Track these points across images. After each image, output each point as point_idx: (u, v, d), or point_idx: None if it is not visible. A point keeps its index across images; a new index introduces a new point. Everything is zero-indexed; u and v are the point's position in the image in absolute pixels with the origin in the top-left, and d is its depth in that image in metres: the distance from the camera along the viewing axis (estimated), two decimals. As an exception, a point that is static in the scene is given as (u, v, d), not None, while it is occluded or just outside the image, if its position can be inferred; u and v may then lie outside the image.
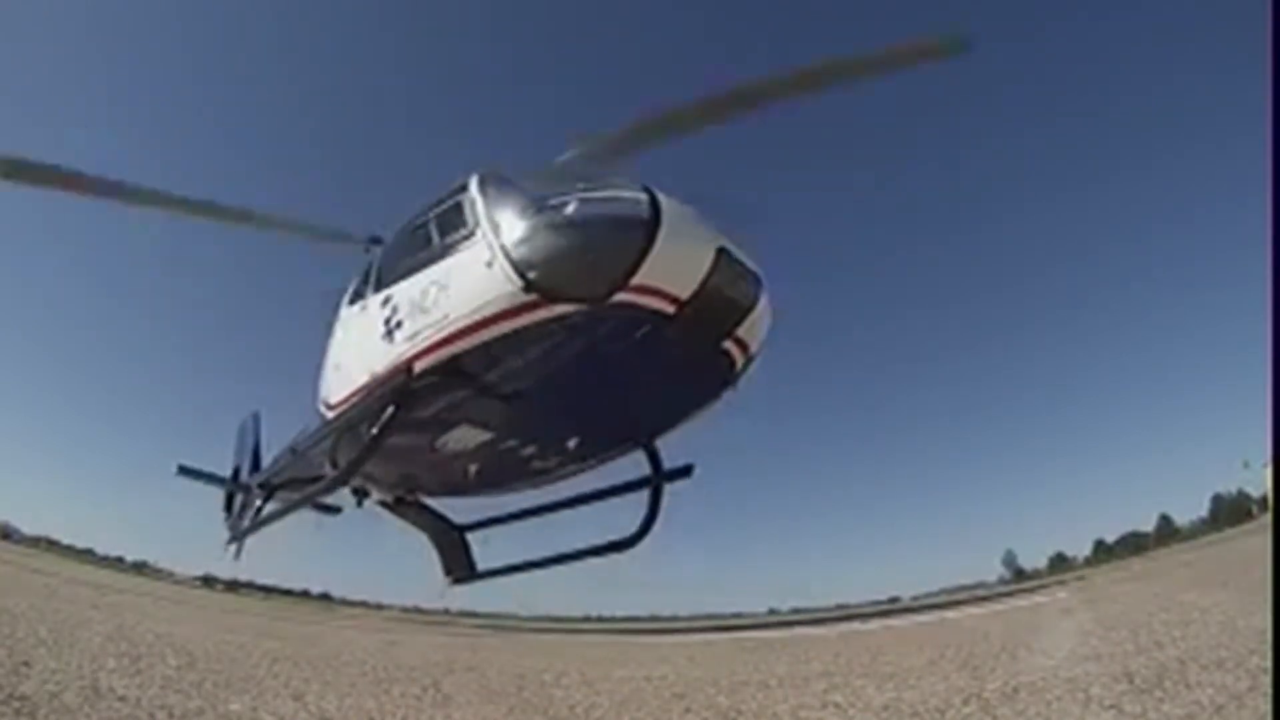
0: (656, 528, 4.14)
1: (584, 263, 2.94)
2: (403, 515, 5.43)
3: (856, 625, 15.64)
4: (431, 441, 4.11)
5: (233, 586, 70.42)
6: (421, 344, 3.46)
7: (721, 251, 3.06)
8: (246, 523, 6.99)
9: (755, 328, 3.11)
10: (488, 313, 3.11)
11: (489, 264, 3.10)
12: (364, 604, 78.18)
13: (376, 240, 5.15)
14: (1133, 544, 51.63)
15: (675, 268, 2.97)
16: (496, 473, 4.56)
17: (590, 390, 3.54)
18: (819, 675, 6.45)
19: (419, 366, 3.41)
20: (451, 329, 3.29)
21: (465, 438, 3.88)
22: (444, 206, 3.79)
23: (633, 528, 5.86)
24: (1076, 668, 5.11)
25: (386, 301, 3.82)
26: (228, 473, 7.82)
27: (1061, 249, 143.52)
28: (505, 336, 3.17)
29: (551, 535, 5.31)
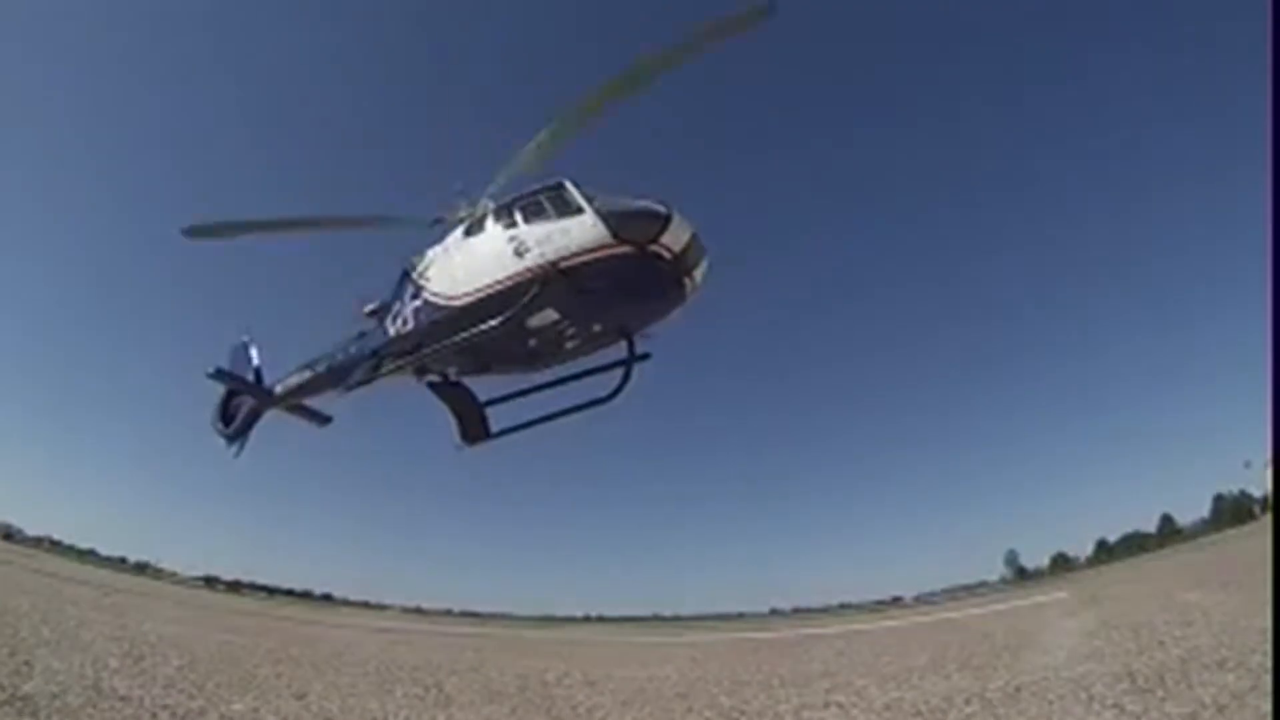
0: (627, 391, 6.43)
1: (641, 229, 5.50)
2: (442, 393, 7.10)
3: (858, 625, 15.67)
4: (521, 321, 5.95)
5: (235, 587, 70.60)
6: (550, 260, 5.68)
7: (693, 234, 5.60)
8: (235, 426, 9.06)
9: (701, 273, 5.67)
10: (591, 248, 5.54)
11: (593, 225, 5.56)
12: (365, 604, 78.42)
13: (439, 220, 7.12)
14: (1134, 544, 51.56)
15: (675, 239, 5.50)
16: (546, 347, 6.44)
17: (618, 297, 5.84)
18: (821, 675, 6.46)
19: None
20: (572, 253, 5.61)
21: (546, 316, 5.92)
22: (551, 194, 6.02)
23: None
24: (1078, 667, 5.09)
25: (512, 238, 6.00)
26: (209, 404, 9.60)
27: (1063, 249, 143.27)
28: (596, 261, 5.55)
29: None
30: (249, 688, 5.33)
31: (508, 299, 5.82)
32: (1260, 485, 41.60)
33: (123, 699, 4.33)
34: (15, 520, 61.20)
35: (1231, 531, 31.41)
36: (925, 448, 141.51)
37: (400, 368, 6.79)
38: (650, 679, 7.03)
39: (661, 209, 5.55)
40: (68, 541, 62.06)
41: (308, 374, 8.07)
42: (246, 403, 8.85)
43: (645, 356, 6.22)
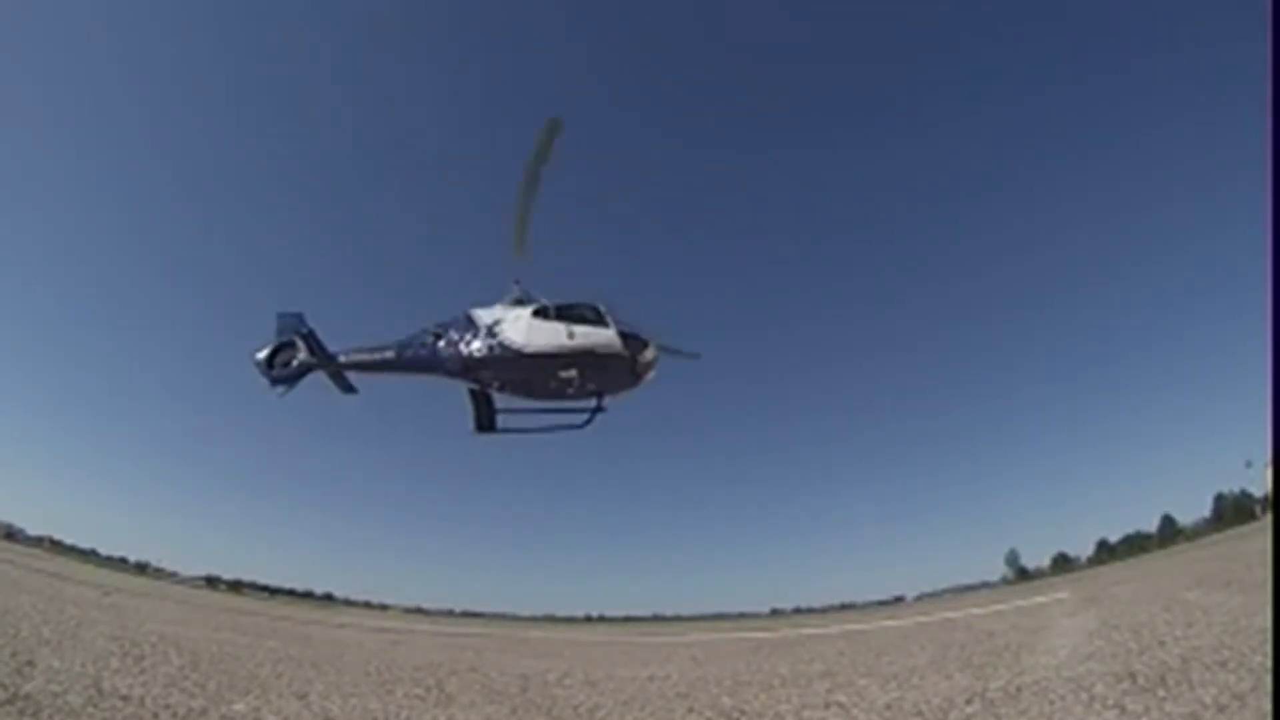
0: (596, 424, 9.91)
1: (634, 346, 8.85)
2: (475, 395, 10.34)
3: (859, 624, 15.66)
4: (557, 370, 9.40)
5: (235, 586, 70.79)
6: (587, 346, 9.02)
7: (656, 355, 9.12)
8: (286, 374, 11.10)
9: (652, 374, 9.21)
10: (608, 347, 8.93)
11: (613, 336, 8.94)
12: (366, 604, 78.52)
13: (521, 300, 10.29)
14: (1135, 544, 51.54)
15: (646, 355, 8.91)
16: (557, 388, 9.65)
17: (608, 374, 9.23)
18: (822, 675, 6.45)
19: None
20: (599, 346, 8.96)
21: (569, 372, 9.26)
22: (591, 310, 9.42)
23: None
24: (1079, 667, 5.09)
25: (568, 328, 9.29)
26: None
27: (1063, 249, 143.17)
28: (608, 354, 8.96)
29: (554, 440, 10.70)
30: (250, 687, 5.33)
31: (557, 358, 9.36)
32: (1261, 485, 41.59)
33: (124, 698, 4.34)
34: (16, 520, 61.25)
35: (1232, 531, 31.36)
36: (926, 448, 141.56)
37: (463, 376, 10.05)
38: (651, 679, 7.04)
39: (645, 338, 9.25)
40: (69, 541, 62.11)
41: (376, 355, 10.73)
42: (297, 357, 10.99)
43: (603, 409, 9.81)
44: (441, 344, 10.21)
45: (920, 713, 4.38)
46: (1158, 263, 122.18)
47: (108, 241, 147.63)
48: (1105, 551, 54.15)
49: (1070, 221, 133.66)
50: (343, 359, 10.78)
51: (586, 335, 9.27)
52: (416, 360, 10.38)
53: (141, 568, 64.86)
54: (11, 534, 56.62)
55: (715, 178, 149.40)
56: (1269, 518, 31.32)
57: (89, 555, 58.90)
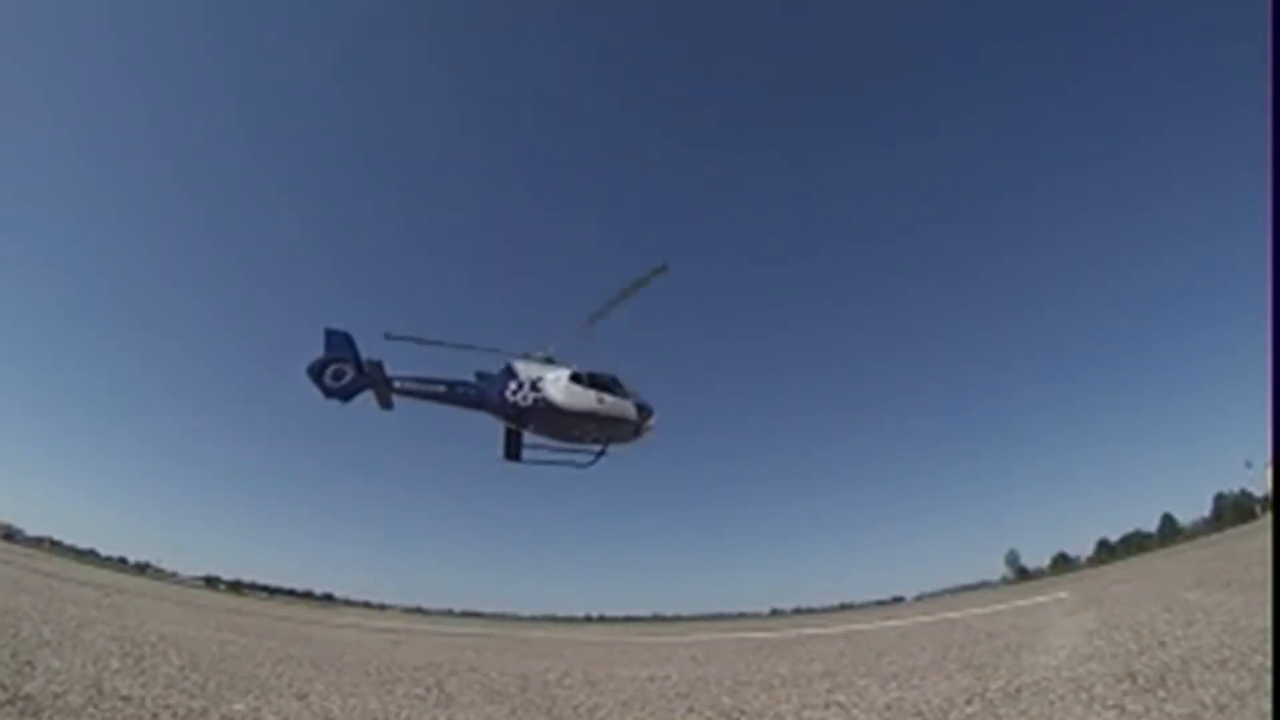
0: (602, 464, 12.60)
1: (642, 414, 12.29)
2: (509, 434, 12.44)
3: (860, 624, 15.64)
4: (583, 424, 12.10)
5: (235, 587, 70.70)
6: (610, 411, 12.05)
7: (655, 420, 12.41)
8: (340, 388, 12.07)
9: (650, 435, 12.45)
10: (625, 412, 12.08)
11: (631, 405, 12.13)
12: (366, 604, 78.43)
13: (526, 355, 12.65)
14: (1135, 543, 51.51)
15: (649, 421, 12.34)
16: (577, 435, 12.36)
17: (618, 431, 12.21)
18: (822, 675, 6.45)
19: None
20: (618, 410, 12.03)
21: (588, 424, 11.99)
22: (615, 382, 12.32)
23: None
24: (1079, 667, 5.08)
25: (599, 394, 12.05)
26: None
27: (1062, 249, 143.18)
28: (623, 418, 12.15)
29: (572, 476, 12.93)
30: (250, 687, 5.33)
31: (587, 417, 11.95)
32: (1261, 485, 41.59)
33: (124, 699, 4.34)
34: (16, 520, 61.20)
35: (1233, 531, 31.36)
36: (926, 448, 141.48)
37: (505, 418, 12.24)
38: (651, 679, 7.03)
39: (650, 407, 12.29)
40: (68, 542, 62.04)
41: (427, 386, 12.11)
42: (349, 373, 11.87)
43: (604, 454, 12.46)
44: (488, 388, 12.24)
45: (920, 713, 4.37)
46: (1158, 263, 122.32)
47: (107, 241, 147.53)
48: (1105, 551, 54.16)
49: (1070, 222, 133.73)
50: (397, 385, 11.93)
51: (614, 404, 12.05)
52: (465, 398, 12.18)
53: (141, 568, 64.79)
54: (11, 534, 56.56)
55: (716, 178, 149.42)
56: (1269, 517, 31.31)
57: (89, 555, 58.82)
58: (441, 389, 12.11)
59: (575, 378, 12.10)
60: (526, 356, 12.42)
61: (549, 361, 12.38)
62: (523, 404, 11.90)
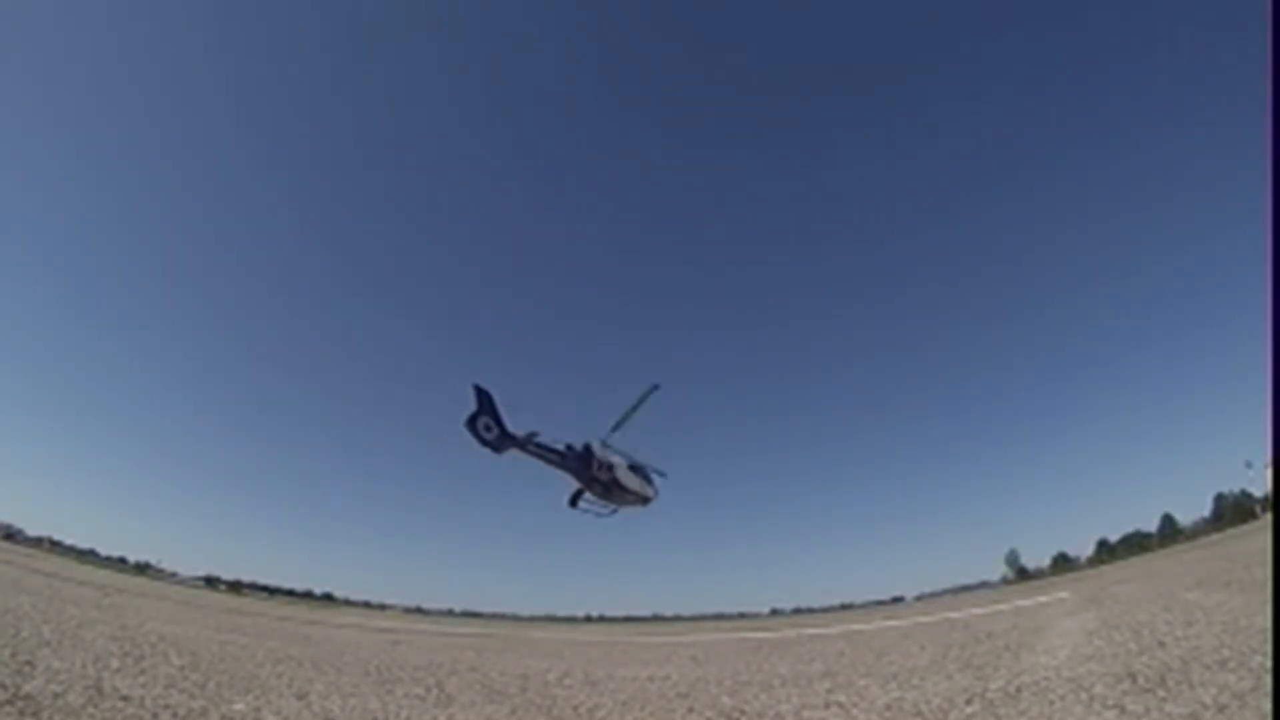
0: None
1: (654, 489, 18.37)
2: (579, 492, 17.40)
3: (860, 624, 15.64)
4: (628, 494, 17.59)
5: (235, 587, 70.73)
6: (645, 490, 18.34)
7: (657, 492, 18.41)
8: (488, 441, 15.50)
9: (654, 501, 18.42)
10: (649, 494, 18.20)
11: (653, 491, 18.29)
12: (366, 604, 78.46)
13: (606, 445, 17.53)
14: (1135, 543, 51.51)
15: (656, 494, 18.50)
16: (619, 500, 17.53)
17: (640, 502, 18.06)
18: (822, 675, 6.45)
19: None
20: (649, 490, 18.42)
21: (628, 496, 17.61)
22: (646, 469, 18.23)
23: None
24: (1079, 667, 5.08)
25: (639, 479, 17.68)
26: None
27: (1064, 250, 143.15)
28: (645, 496, 18.14)
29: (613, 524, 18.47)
30: (250, 687, 5.33)
31: (632, 492, 17.19)
32: (1261, 485, 41.61)
33: (124, 698, 4.34)
34: (16, 520, 61.24)
35: (1233, 531, 31.36)
36: (926, 448, 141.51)
37: (583, 482, 16.92)
38: (651, 679, 7.03)
39: (657, 476, 18.14)
40: (68, 542, 62.06)
41: (547, 450, 16.28)
42: (494, 428, 15.19)
43: (615, 511, 17.67)
44: (575, 460, 16.80)
45: (920, 713, 4.37)
46: (1158, 263, 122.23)
47: (107, 242, 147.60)
48: (1105, 551, 54.15)
49: (1070, 222, 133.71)
50: (530, 447, 15.92)
51: (645, 487, 17.69)
52: (565, 466, 16.66)
53: (141, 568, 64.82)
54: (11, 534, 56.59)
55: (718, 177, 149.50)
56: (1269, 518, 31.33)
57: (89, 555, 58.85)
58: (555, 457, 16.48)
59: (632, 467, 17.40)
60: (604, 444, 17.07)
61: (605, 447, 16.96)
62: (599, 476, 16.80)
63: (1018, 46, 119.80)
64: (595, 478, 16.65)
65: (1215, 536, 31.32)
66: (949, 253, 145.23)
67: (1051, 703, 4.16)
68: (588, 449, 16.75)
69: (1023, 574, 59.29)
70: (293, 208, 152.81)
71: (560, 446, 16.65)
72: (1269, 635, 4.93)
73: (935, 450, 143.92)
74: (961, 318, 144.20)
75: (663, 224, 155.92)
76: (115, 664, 5.62)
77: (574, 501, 17.26)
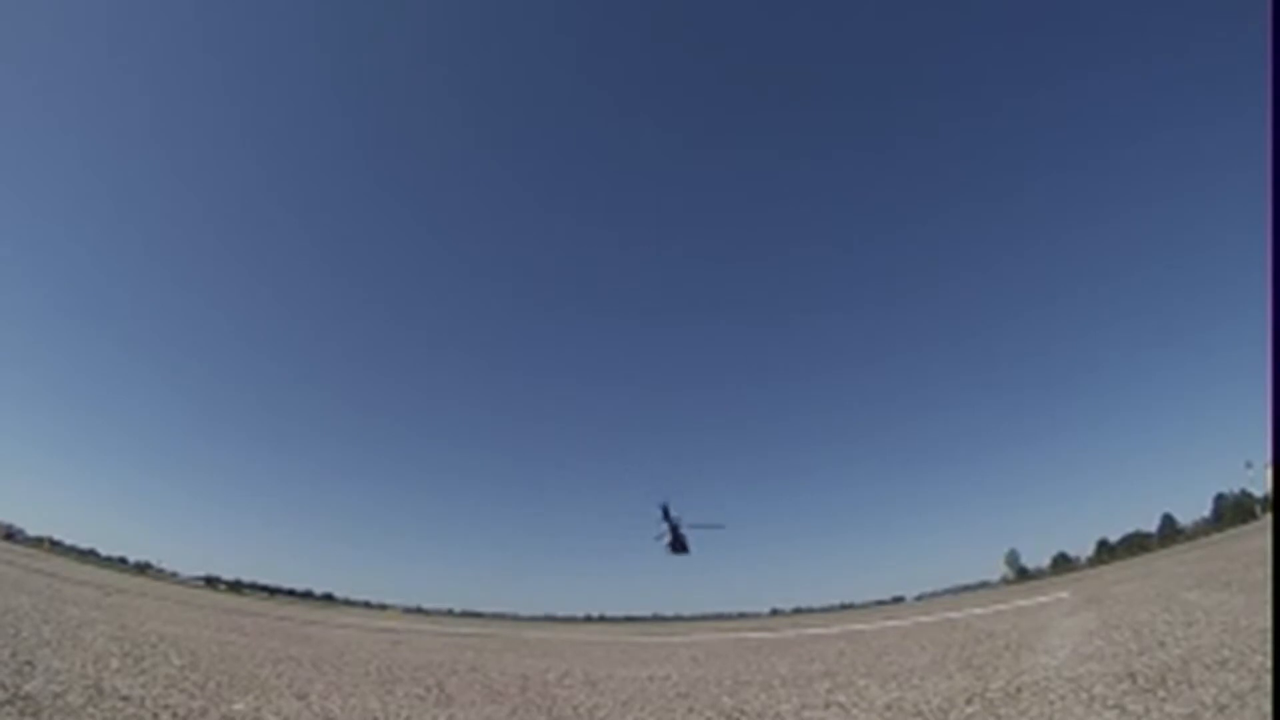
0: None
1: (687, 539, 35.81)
2: (674, 542, 33.86)
3: (860, 624, 15.63)
4: (679, 544, 35.05)
5: (236, 587, 70.66)
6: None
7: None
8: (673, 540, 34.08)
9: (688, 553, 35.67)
10: (688, 546, 36.35)
11: (688, 550, 35.99)
12: (366, 604, 78.47)
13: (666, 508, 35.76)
14: (1136, 543, 51.52)
15: (688, 548, 35.80)
16: (674, 545, 35.03)
17: (682, 550, 35.28)
18: (822, 675, 6.44)
19: None
20: (687, 546, 37.70)
21: (679, 545, 35.01)
22: (685, 535, 35.61)
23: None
24: (1079, 667, 5.08)
25: (684, 535, 35.20)
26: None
27: (1063, 250, 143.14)
28: (686, 549, 36.10)
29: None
30: (250, 687, 5.33)
31: (681, 543, 34.42)
32: (1261, 485, 41.61)
33: (124, 698, 4.33)
34: (16, 520, 61.24)
35: (1233, 531, 31.35)
36: (926, 448, 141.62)
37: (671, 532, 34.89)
38: (651, 679, 7.03)
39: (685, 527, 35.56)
40: (68, 542, 62.07)
41: (680, 535, 34.26)
42: (668, 534, 33.57)
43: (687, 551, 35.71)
44: (666, 518, 33.10)
45: (920, 713, 4.37)
46: (1158, 262, 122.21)
47: (107, 241, 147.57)
48: (1105, 551, 54.16)
49: (1071, 221, 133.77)
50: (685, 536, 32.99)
51: (685, 540, 33.18)
52: (668, 521, 32.81)
53: (141, 568, 64.82)
54: (11, 534, 56.57)
55: (716, 178, 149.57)
56: (1269, 518, 31.32)
57: (89, 555, 58.84)
58: (683, 534, 32.18)
59: (688, 525, 32.90)
60: (665, 507, 33.18)
61: (667, 509, 33.08)
62: (674, 529, 31.81)
63: (1018, 46, 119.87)
64: (674, 529, 32.43)
65: (1215, 536, 31.32)
66: (949, 252, 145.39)
67: (1051, 703, 4.16)
68: (665, 511, 33.08)
69: (1023, 574, 59.34)
70: (293, 208, 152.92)
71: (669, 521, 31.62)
72: (1269, 635, 4.93)
73: (935, 450, 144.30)
74: (962, 317, 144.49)
75: (663, 224, 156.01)
76: (115, 664, 5.61)
77: (675, 548, 32.53)
